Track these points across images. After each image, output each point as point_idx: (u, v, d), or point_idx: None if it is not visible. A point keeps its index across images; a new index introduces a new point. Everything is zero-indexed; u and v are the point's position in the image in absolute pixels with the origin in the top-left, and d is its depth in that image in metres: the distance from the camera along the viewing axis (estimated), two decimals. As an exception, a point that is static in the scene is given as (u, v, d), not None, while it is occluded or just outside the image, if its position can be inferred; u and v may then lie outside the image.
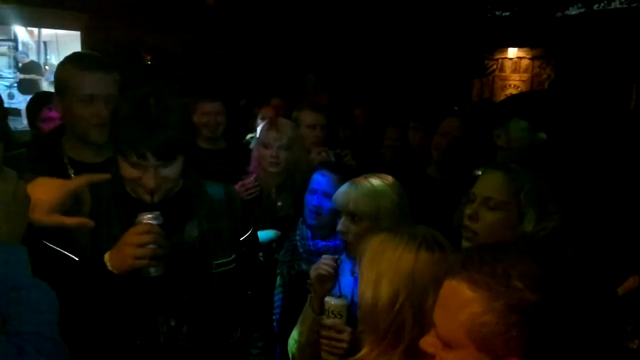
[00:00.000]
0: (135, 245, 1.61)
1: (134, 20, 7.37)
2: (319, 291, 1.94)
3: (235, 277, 1.89)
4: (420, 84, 7.91)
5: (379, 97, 7.01)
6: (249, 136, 4.54)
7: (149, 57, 7.70)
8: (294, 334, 2.04)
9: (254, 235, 2.04)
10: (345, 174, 2.49)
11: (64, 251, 1.71)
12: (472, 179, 2.18)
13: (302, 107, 3.49)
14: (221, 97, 3.59)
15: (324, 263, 1.93)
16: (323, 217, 2.47)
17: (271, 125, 2.94)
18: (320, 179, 2.50)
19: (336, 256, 1.98)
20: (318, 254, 2.39)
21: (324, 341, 1.82)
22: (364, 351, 1.49)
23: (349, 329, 1.80)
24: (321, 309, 1.91)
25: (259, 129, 4.05)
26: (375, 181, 2.12)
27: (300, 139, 2.98)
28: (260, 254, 2.13)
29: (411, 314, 1.40)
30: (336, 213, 2.15)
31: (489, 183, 1.91)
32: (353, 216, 2.05)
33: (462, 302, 1.03)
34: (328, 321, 1.83)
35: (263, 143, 2.89)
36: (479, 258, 1.07)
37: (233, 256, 1.89)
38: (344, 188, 2.12)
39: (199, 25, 7.93)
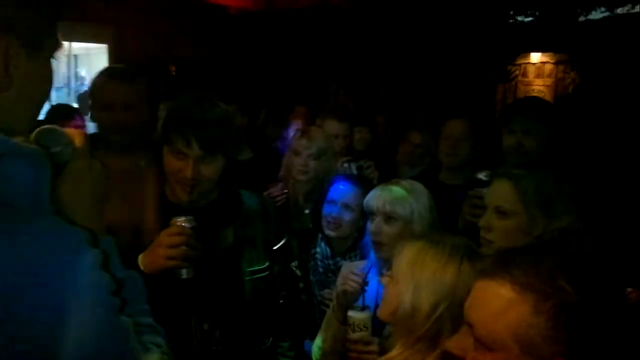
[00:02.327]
0: (166, 245, 1.67)
1: (159, 33, 7.49)
2: (343, 303, 1.96)
3: (267, 285, 1.93)
4: (443, 90, 7.88)
5: (402, 104, 7.00)
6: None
7: (173, 68, 7.80)
8: (318, 341, 2.06)
9: (287, 245, 2.08)
10: (366, 186, 2.51)
11: None
12: (474, 181, 2.21)
13: (326, 116, 3.52)
14: (243, 106, 3.64)
15: (352, 279, 1.94)
16: (343, 228, 2.49)
17: (303, 133, 2.98)
18: (340, 190, 2.52)
19: (363, 271, 1.99)
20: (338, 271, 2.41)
21: (353, 354, 1.84)
22: (395, 352, 1.51)
23: (376, 340, 1.83)
24: (345, 319, 1.93)
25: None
26: (408, 185, 2.16)
27: (330, 149, 3.01)
28: (294, 263, 2.17)
29: (450, 323, 1.43)
30: (367, 216, 2.17)
31: (496, 192, 1.96)
32: (388, 218, 2.07)
33: (507, 304, 1.03)
34: (355, 335, 1.86)
35: (293, 150, 2.93)
36: (520, 258, 1.07)
37: (266, 264, 1.94)
38: (377, 191, 2.16)
39: (223, 35, 8.03)
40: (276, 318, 2.03)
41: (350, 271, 2.00)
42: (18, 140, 1.00)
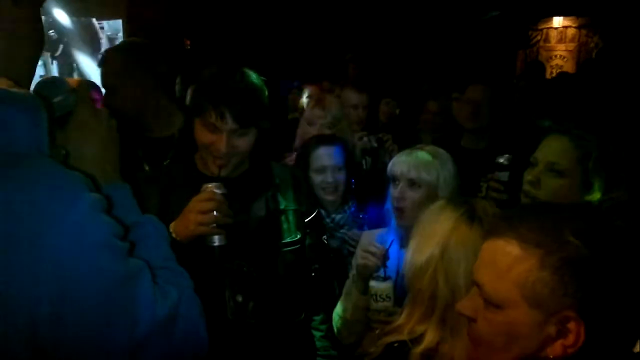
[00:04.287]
0: (198, 211, 1.65)
1: (173, 7, 7.44)
2: (364, 275, 1.92)
3: (299, 258, 1.91)
4: (463, 57, 7.74)
5: (421, 73, 6.90)
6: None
7: (188, 42, 7.75)
8: (339, 309, 2.04)
9: (318, 218, 2.06)
10: (343, 143, 2.57)
11: None
12: (495, 165, 2.13)
13: (345, 86, 3.46)
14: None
15: (372, 252, 1.90)
16: (339, 190, 2.50)
17: (317, 103, 2.95)
18: (324, 155, 2.49)
19: (383, 240, 1.95)
20: (339, 227, 2.43)
21: (376, 324, 1.82)
22: (401, 319, 1.49)
23: (398, 310, 1.80)
24: (366, 289, 1.90)
25: (305, 104, 4.06)
26: (433, 151, 2.11)
27: (345, 118, 2.98)
28: (325, 236, 2.14)
29: (444, 280, 1.40)
30: (390, 180, 2.13)
31: (553, 147, 1.84)
32: (412, 183, 2.03)
33: (513, 260, 1.03)
34: (377, 305, 1.83)
35: (307, 120, 2.90)
36: (527, 216, 1.07)
37: (298, 237, 1.92)
38: (401, 157, 2.12)
39: (240, 9, 7.94)
40: (309, 291, 2.00)
41: (371, 243, 1.96)
42: (9, 87, 1.00)
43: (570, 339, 0.99)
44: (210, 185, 1.69)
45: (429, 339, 1.39)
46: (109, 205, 1.06)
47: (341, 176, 2.53)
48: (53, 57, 6.35)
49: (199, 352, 1.14)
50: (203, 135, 1.77)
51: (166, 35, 7.13)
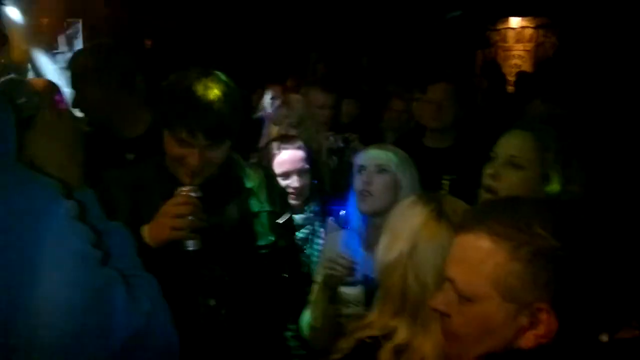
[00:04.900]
0: (172, 215, 1.61)
1: (134, 6, 7.31)
2: (331, 283, 1.92)
3: (274, 261, 1.89)
4: (423, 57, 7.83)
5: (382, 72, 6.95)
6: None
7: (149, 42, 7.64)
8: (307, 318, 2.03)
9: (290, 219, 2.04)
10: (307, 145, 2.59)
11: None
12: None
13: (311, 86, 3.45)
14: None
15: (339, 264, 1.90)
16: (305, 192, 2.51)
17: (282, 102, 2.95)
18: (288, 159, 2.51)
19: (346, 242, 1.95)
20: (299, 227, 2.44)
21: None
22: (372, 316, 1.50)
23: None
24: (333, 299, 1.90)
25: (266, 105, 4.05)
26: (395, 148, 2.21)
27: (311, 118, 2.98)
28: (303, 231, 2.13)
29: (414, 277, 1.41)
30: (356, 172, 2.16)
31: (513, 142, 1.88)
32: (380, 169, 2.09)
33: (484, 254, 1.04)
34: (349, 311, 1.83)
35: (273, 120, 2.90)
36: (496, 210, 1.09)
37: (272, 239, 1.89)
38: (369, 149, 2.21)
39: (202, 9, 7.86)
40: (281, 293, 1.99)
41: (338, 255, 1.96)
42: None
43: (542, 329, 1.01)
44: (184, 189, 1.65)
45: (401, 334, 1.39)
46: (81, 212, 1.04)
47: (306, 180, 2.53)
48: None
49: (171, 351, 1.13)
50: (173, 149, 1.70)
51: (126, 35, 7.01)
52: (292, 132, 2.82)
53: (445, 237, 1.40)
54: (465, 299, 1.07)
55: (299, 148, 2.55)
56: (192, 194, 1.64)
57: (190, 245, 1.64)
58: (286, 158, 2.50)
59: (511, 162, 1.83)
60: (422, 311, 1.39)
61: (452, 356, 1.16)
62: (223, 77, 1.74)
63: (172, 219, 1.61)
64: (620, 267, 1.08)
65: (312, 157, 2.65)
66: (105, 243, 1.09)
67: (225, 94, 1.69)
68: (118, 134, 2.43)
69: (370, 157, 2.14)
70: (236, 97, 1.74)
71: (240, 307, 1.81)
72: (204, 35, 7.70)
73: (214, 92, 1.67)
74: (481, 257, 1.05)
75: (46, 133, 1.10)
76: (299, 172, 2.51)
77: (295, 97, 3.08)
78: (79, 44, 6.15)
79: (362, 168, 2.14)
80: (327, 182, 2.87)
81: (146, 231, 1.64)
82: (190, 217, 1.62)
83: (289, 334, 2.10)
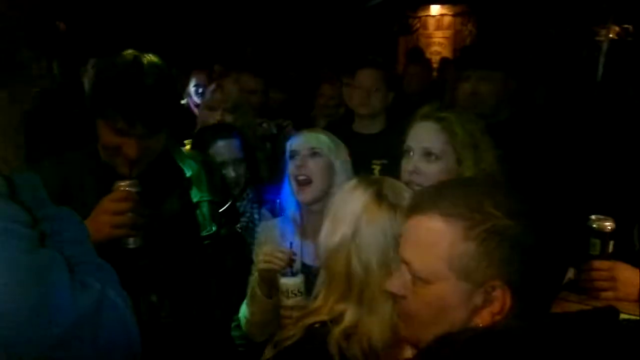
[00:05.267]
0: (112, 212, 1.52)
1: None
2: (267, 278, 1.88)
3: (216, 251, 1.84)
4: (347, 43, 7.89)
5: (308, 59, 6.95)
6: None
7: (63, 25, 7.26)
8: (244, 311, 1.98)
9: (232, 207, 1.99)
10: (241, 133, 2.56)
11: None
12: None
13: (242, 71, 3.40)
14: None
15: (277, 257, 1.85)
16: (240, 182, 2.49)
17: (217, 87, 2.89)
18: (224, 148, 2.48)
19: (290, 248, 1.91)
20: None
21: (288, 321, 1.78)
22: (319, 301, 1.50)
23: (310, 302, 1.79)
24: (270, 292, 1.88)
25: (191, 92, 3.95)
26: (329, 134, 2.20)
27: (246, 103, 2.93)
28: (238, 225, 2.07)
29: (357, 260, 1.42)
30: (288, 159, 2.14)
31: (423, 134, 1.91)
32: (313, 153, 2.08)
33: (438, 235, 1.05)
34: (289, 302, 1.79)
35: (208, 106, 2.85)
36: (447, 191, 1.10)
37: (214, 229, 1.83)
38: (299, 134, 2.20)
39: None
40: (225, 284, 1.93)
41: (275, 249, 1.91)
42: None
43: (497, 306, 1.04)
44: (123, 184, 1.55)
45: (348, 318, 1.39)
46: (14, 194, 0.99)
47: (242, 169, 2.49)
48: None
49: (132, 347, 1.09)
50: (109, 139, 1.60)
51: (37, 17, 6.63)
52: (228, 117, 2.77)
53: (386, 219, 1.42)
54: (421, 280, 1.08)
55: (234, 137, 2.51)
56: (131, 189, 1.55)
57: (131, 242, 1.57)
58: (221, 146, 2.44)
59: (426, 154, 1.88)
60: (367, 293, 1.40)
61: (408, 337, 1.17)
62: (157, 60, 1.65)
63: (111, 216, 1.52)
64: (564, 240, 1.11)
65: (247, 144, 2.60)
66: (48, 228, 1.05)
67: (162, 80, 1.61)
68: None
69: (303, 141, 2.13)
70: (172, 82, 1.67)
71: (184, 301, 1.76)
72: (121, 18, 7.40)
73: (151, 78, 1.58)
74: (435, 239, 1.06)
75: None
76: (235, 162, 2.46)
77: (230, 82, 3.00)
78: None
79: (294, 153, 2.12)
80: (262, 169, 2.84)
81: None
82: (130, 214, 1.54)
83: (232, 324, 2.06)
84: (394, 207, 1.43)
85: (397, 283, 1.14)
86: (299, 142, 2.13)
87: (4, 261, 0.91)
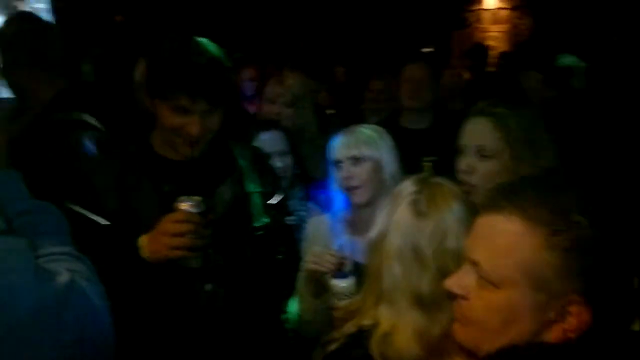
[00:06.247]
0: (171, 234, 1.52)
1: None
2: (314, 279, 1.84)
3: (268, 242, 1.83)
4: (399, 38, 7.78)
5: (358, 54, 6.89)
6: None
7: (120, 18, 7.43)
8: (294, 308, 1.96)
9: (283, 199, 1.98)
10: (285, 127, 2.55)
11: (91, 215, 1.64)
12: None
13: (292, 72, 3.38)
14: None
15: (326, 260, 1.80)
16: (288, 174, 2.45)
17: (277, 80, 2.89)
18: (267, 141, 2.44)
19: (340, 250, 1.86)
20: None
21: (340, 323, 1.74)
22: (358, 301, 1.46)
23: None
24: (318, 292, 1.83)
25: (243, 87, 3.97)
26: (371, 128, 2.12)
27: (308, 96, 2.91)
28: (291, 218, 2.07)
29: (386, 264, 1.35)
30: (332, 167, 2.08)
31: (476, 131, 1.84)
32: (356, 160, 2.01)
33: (516, 239, 0.97)
34: (341, 304, 1.76)
35: (268, 99, 2.84)
36: (530, 190, 1.00)
37: (265, 221, 1.83)
38: (339, 138, 2.07)
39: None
40: (276, 275, 1.92)
41: (324, 251, 1.85)
42: None
43: (572, 322, 0.95)
44: (184, 204, 1.56)
45: (385, 322, 1.33)
46: None
47: (288, 161, 2.47)
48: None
49: (104, 339, 1.09)
50: (170, 119, 1.63)
51: (95, 10, 6.80)
52: (287, 111, 2.75)
53: (410, 227, 1.34)
54: (488, 283, 1.00)
55: (278, 130, 2.49)
56: (192, 210, 1.55)
57: (191, 263, 1.58)
58: (265, 139, 2.43)
59: (480, 153, 1.80)
60: (394, 299, 1.34)
61: (464, 342, 1.08)
62: (209, 42, 1.70)
63: (170, 237, 1.53)
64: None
65: (291, 137, 2.58)
66: (22, 221, 1.09)
67: (218, 57, 1.66)
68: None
69: (344, 148, 2.05)
70: (227, 61, 1.70)
71: (238, 291, 1.76)
72: (176, 12, 7.51)
73: (209, 55, 1.63)
74: (512, 241, 0.97)
75: None
76: (280, 154, 2.44)
77: (291, 75, 2.98)
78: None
79: (338, 162, 2.06)
80: (313, 166, 2.82)
81: (144, 243, 1.58)
82: (189, 236, 1.54)
83: (284, 316, 2.05)
84: (422, 215, 1.35)
85: (458, 282, 1.06)
86: (339, 148, 2.06)
87: None
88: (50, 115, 2.15)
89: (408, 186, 1.42)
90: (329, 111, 3.16)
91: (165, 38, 1.70)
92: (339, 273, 1.78)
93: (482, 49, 6.79)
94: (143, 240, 1.58)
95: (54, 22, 6.32)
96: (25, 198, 1.14)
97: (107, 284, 1.55)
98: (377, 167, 2.02)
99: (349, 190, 2.03)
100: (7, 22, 2.39)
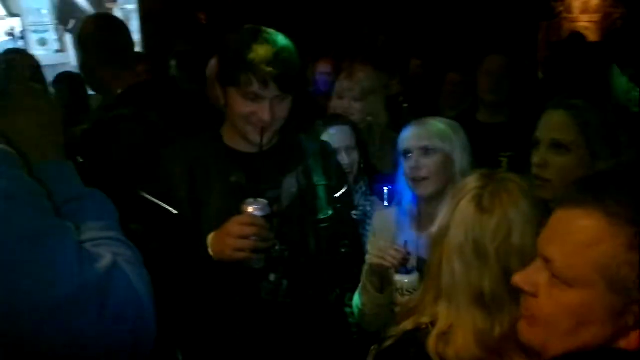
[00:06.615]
0: (236, 236, 1.57)
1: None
2: (378, 273, 1.83)
3: (332, 235, 1.85)
4: (482, 30, 7.56)
5: (437, 46, 6.75)
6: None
7: (204, 16, 7.65)
8: (357, 301, 1.96)
9: (348, 193, 1.99)
10: (351, 122, 2.52)
11: (161, 204, 1.72)
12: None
13: (363, 65, 3.35)
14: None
15: (391, 255, 1.79)
16: (354, 170, 2.44)
17: (346, 74, 2.89)
18: (335, 136, 2.42)
19: (405, 246, 1.83)
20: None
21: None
22: (417, 298, 1.44)
23: None
24: (382, 287, 1.82)
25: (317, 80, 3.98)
26: (442, 120, 2.07)
27: (378, 89, 2.90)
28: (355, 211, 2.08)
29: (445, 259, 1.32)
30: (401, 156, 2.05)
31: (552, 124, 1.77)
32: (426, 151, 1.97)
33: (596, 236, 0.90)
34: (404, 299, 1.74)
35: (337, 94, 2.85)
36: (615, 185, 0.93)
37: (330, 213, 1.85)
38: (410, 129, 2.05)
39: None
40: (340, 268, 1.94)
41: (389, 246, 1.83)
42: None
43: None
44: (251, 208, 1.60)
45: (443, 320, 1.31)
46: (38, 178, 1.07)
47: (355, 156, 2.46)
48: (66, 31, 6.31)
49: (145, 326, 1.09)
50: (243, 106, 1.68)
51: (180, 9, 7.04)
52: (356, 105, 2.74)
53: (472, 223, 1.30)
54: (561, 281, 0.94)
55: (345, 124, 2.49)
56: (258, 214, 1.59)
57: (254, 264, 1.62)
58: (333, 134, 2.43)
59: (555, 146, 1.73)
60: (454, 297, 1.30)
61: (531, 341, 1.03)
62: (277, 32, 1.74)
63: (235, 239, 1.58)
64: None
65: (359, 132, 2.57)
66: (70, 207, 1.12)
67: (287, 46, 1.70)
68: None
69: (414, 138, 2.01)
70: (295, 50, 1.74)
71: (301, 282, 1.78)
72: (257, 9, 7.65)
73: (278, 44, 1.67)
74: (591, 239, 0.91)
75: (16, 111, 1.16)
76: (347, 149, 2.44)
77: (360, 69, 2.95)
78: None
79: (407, 152, 2.02)
80: (382, 161, 2.80)
81: (211, 243, 1.63)
82: (254, 238, 1.58)
83: (349, 310, 2.05)
84: (485, 210, 1.30)
85: (528, 279, 1.01)
86: (410, 138, 2.02)
87: (5, 221, 0.96)
88: (114, 109, 2.31)
89: (472, 181, 1.38)
90: (403, 104, 3.10)
91: (237, 30, 1.75)
92: (403, 268, 1.76)
93: (579, 39, 6.37)
94: (210, 239, 1.63)
95: (143, 20, 6.64)
96: (77, 185, 1.18)
97: (173, 274, 1.63)
98: (447, 161, 1.98)
99: (415, 181, 2.00)
100: (85, 23, 2.62)
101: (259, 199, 1.61)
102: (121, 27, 2.61)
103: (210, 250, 1.61)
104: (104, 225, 1.15)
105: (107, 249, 1.08)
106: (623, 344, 0.91)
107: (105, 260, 1.04)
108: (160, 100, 2.43)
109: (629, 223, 0.88)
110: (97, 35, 2.47)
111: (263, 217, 1.60)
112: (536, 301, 0.99)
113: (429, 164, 1.97)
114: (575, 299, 0.93)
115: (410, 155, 2.00)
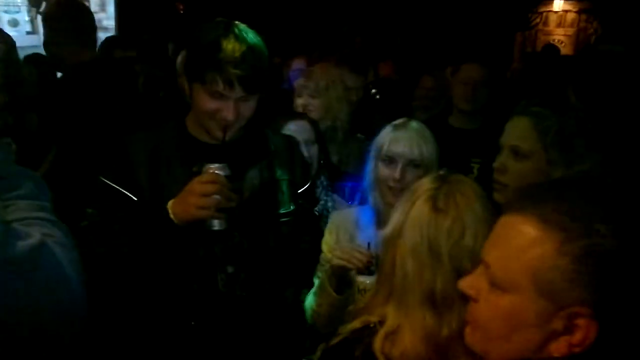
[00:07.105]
0: (199, 194, 1.57)
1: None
2: (339, 274, 1.80)
3: (292, 230, 1.84)
4: (459, 35, 7.63)
5: (413, 51, 6.80)
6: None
7: (181, 6, 7.58)
8: (312, 302, 1.93)
9: (311, 188, 1.99)
10: (311, 118, 2.54)
11: (122, 189, 1.70)
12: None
13: (341, 66, 3.33)
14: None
15: (356, 257, 1.76)
16: (314, 164, 2.43)
17: (303, 73, 2.91)
18: (294, 130, 2.40)
19: (370, 249, 1.81)
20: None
21: None
22: (367, 298, 1.44)
23: None
24: (340, 289, 1.80)
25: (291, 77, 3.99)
26: (419, 126, 2.05)
27: (335, 85, 2.90)
28: (316, 208, 2.07)
29: (400, 261, 1.31)
30: (379, 158, 2.01)
31: (514, 131, 1.79)
32: (415, 164, 1.97)
33: (530, 241, 0.92)
34: (364, 300, 1.73)
35: (297, 91, 2.87)
36: (552, 195, 0.94)
37: (292, 208, 1.83)
38: (396, 133, 2.01)
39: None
40: (300, 264, 1.93)
41: (354, 248, 1.80)
42: None
43: (578, 336, 0.90)
44: (212, 167, 1.60)
45: (390, 321, 1.30)
46: None
47: (314, 150, 2.46)
48: (38, 13, 6.18)
49: (73, 308, 1.08)
50: (206, 103, 1.66)
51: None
52: (313, 102, 2.76)
53: (427, 224, 1.29)
54: (497, 286, 0.96)
55: (304, 119, 2.50)
56: (220, 172, 1.59)
57: (216, 225, 1.61)
58: (292, 129, 2.42)
59: (514, 152, 1.76)
60: (404, 298, 1.30)
61: (473, 345, 1.05)
62: (248, 29, 1.71)
63: (197, 197, 1.57)
64: None
65: (318, 127, 2.58)
66: (3, 183, 1.12)
67: (257, 45, 1.67)
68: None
69: (405, 149, 1.96)
70: (264, 48, 1.71)
71: (259, 275, 1.77)
72: (238, 3, 7.61)
73: (247, 43, 1.64)
74: (524, 244, 0.92)
75: None
76: (306, 142, 2.43)
77: (316, 67, 2.99)
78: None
79: (392, 160, 1.97)
80: (338, 157, 2.81)
81: (171, 207, 1.61)
82: (217, 196, 1.57)
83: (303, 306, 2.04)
84: (440, 211, 1.29)
85: (471, 284, 1.02)
86: (399, 148, 1.97)
87: None
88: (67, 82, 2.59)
89: (427, 182, 1.38)
90: (376, 96, 3.12)
91: (206, 23, 1.72)
92: (365, 270, 1.75)
93: (552, 50, 6.50)
94: (170, 204, 1.61)
95: (119, 7, 6.55)
96: (8, 162, 1.16)
97: (133, 253, 1.60)
98: (426, 173, 1.95)
99: (393, 189, 1.96)
100: (51, 4, 2.90)
101: (220, 162, 1.61)
102: (83, 9, 2.87)
103: (171, 214, 1.59)
104: (36, 206, 1.13)
105: (37, 229, 1.06)
106: (553, 349, 0.92)
107: (33, 239, 1.03)
108: (108, 79, 2.62)
109: (561, 229, 0.89)
110: (60, 14, 2.72)
111: (225, 176, 1.60)
112: (477, 306, 1.01)
113: (412, 177, 1.93)
114: (508, 304, 0.94)
115: (395, 165, 1.97)
